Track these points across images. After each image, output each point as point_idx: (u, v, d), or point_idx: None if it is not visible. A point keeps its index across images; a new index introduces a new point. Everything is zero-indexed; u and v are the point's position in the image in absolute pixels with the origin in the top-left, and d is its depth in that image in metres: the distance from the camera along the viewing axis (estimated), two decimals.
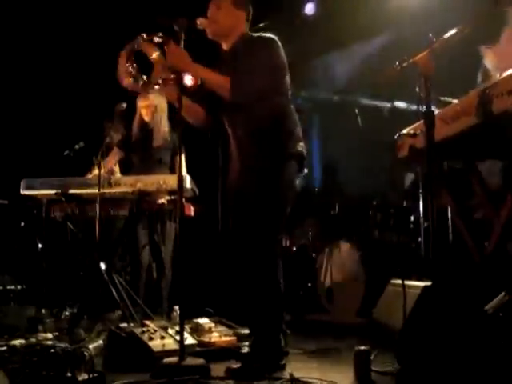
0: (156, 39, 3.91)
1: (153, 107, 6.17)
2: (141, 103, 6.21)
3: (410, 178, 7.87)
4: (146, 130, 6.24)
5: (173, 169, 6.15)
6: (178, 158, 4.27)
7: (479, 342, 2.96)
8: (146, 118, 6.21)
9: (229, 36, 4.14)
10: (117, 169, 6.35)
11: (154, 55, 3.96)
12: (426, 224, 6.16)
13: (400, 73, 3.74)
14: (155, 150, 6.20)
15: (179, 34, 3.87)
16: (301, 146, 4.08)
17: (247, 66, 3.91)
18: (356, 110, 7.33)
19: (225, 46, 4.19)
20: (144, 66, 3.98)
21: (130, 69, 3.94)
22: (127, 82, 3.98)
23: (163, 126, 6.20)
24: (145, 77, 4.00)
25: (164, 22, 3.89)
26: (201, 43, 4.05)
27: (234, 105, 3.96)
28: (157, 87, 4.02)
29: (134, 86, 4.01)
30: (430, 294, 3.47)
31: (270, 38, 4.05)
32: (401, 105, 7.83)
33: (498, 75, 3.60)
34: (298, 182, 4.15)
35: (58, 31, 8.27)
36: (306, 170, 4.22)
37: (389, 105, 8.13)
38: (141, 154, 6.25)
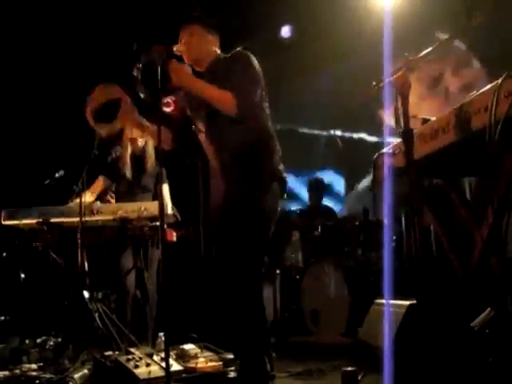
0: (155, 56, 3.90)
1: (144, 137, 6.17)
2: (133, 135, 6.19)
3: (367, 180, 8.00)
4: (137, 158, 6.25)
5: (156, 196, 6.14)
6: (159, 185, 4.28)
7: (466, 359, 2.96)
8: (137, 149, 6.21)
9: (203, 60, 4.20)
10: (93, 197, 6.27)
11: (121, 99, 4.00)
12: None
13: (379, 93, 3.76)
14: (142, 178, 6.21)
15: (157, 61, 3.89)
16: (282, 168, 4.09)
17: (239, 80, 3.95)
18: (335, 133, 7.39)
19: (199, 69, 4.23)
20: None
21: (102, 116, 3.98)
22: (101, 131, 4.03)
23: (152, 154, 6.21)
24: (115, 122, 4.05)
25: (142, 49, 3.89)
26: None
27: (219, 127, 3.98)
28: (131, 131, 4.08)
29: (108, 131, 4.05)
30: (415, 312, 3.47)
31: (248, 53, 4.11)
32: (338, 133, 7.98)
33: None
34: (280, 203, 4.14)
35: (39, 59, 8.29)
36: (285, 195, 4.21)
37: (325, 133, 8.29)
38: (131, 181, 6.25)
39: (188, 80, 3.93)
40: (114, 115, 4.06)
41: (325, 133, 8.54)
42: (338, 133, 8.00)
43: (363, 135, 8.19)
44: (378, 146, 7.83)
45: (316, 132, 8.78)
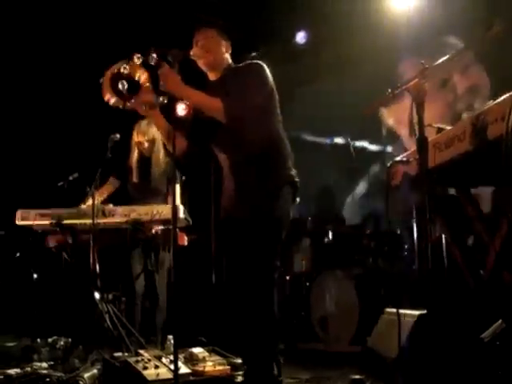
0: (150, 61, 3.90)
1: (152, 142, 6.19)
2: (140, 139, 6.23)
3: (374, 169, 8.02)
4: (145, 161, 6.28)
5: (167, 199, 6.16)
6: (172, 187, 4.27)
7: (476, 371, 2.94)
8: (146, 152, 6.23)
9: (219, 65, 4.18)
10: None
11: (141, 78, 3.98)
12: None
13: (392, 102, 3.75)
14: (153, 181, 6.24)
15: (173, 65, 3.89)
16: (294, 172, 4.08)
17: (238, 89, 3.93)
18: (348, 140, 7.38)
19: (212, 77, 4.22)
20: (131, 86, 3.99)
21: (119, 87, 3.94)
22: (111, 99, 3.99)
23: (161, 157, 6.23)
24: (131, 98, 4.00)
25: (158, 53, 3.89)
26: (190, 74, 4.05)
27: (228, 131, 3.96)
28: (143, 110, 4.02)
29: (118, 103, 4.00)
30: (425, 322, 3.46)
31: (256, 63, 4.10)
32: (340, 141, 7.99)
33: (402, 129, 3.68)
34: (292, 208, 4.12)
35: (52, 60, 8.33)
36: (298, 199, 4.19)
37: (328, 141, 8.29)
38: (138, 184, 6.28)
39: (175, 86, 3.89)
40: (132, 90, 4.02)
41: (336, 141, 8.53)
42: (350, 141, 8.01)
43: (365, 144, 8.22)
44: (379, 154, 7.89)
45: (327, 140, 8.77)
